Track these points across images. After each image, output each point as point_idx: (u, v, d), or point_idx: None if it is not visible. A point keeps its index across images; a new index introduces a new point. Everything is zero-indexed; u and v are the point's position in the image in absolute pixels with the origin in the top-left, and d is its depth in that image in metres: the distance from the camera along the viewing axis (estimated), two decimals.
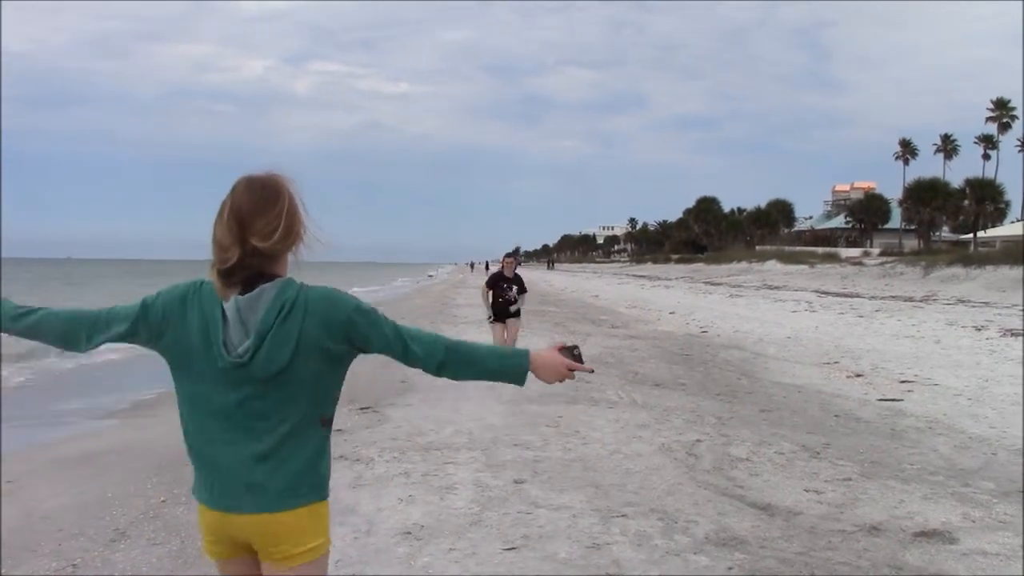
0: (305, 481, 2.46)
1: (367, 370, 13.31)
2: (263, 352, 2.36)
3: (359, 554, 5.04)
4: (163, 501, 6.36)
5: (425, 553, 5.03)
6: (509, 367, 2.52)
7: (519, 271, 13.20)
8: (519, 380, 2.55)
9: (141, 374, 15.50)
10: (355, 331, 2.44)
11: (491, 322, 12.33)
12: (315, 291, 2.45)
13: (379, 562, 4.92)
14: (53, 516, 6.21)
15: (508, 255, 13.02)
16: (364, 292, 54.04)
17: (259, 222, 2.38)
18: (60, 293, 54.05)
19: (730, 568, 4.81)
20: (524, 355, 2.55)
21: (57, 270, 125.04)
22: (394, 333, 2.47)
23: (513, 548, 5.09)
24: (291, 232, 2.43)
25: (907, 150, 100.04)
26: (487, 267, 21.99)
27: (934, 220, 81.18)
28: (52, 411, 11.61)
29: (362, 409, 9.79)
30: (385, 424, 8.92)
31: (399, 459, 7.33)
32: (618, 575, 4.71)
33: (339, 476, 6.75)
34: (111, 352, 19.23)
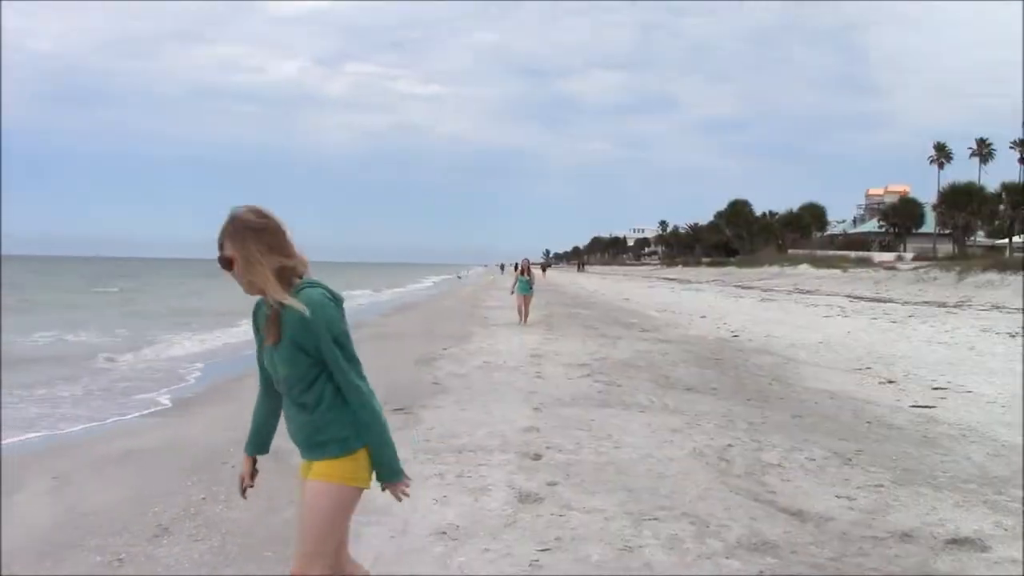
0: None
1: (401, 372, 13.47)
2: None
3: (395, 553, 5.14)
4: (203, 499, 6.49)
5: (460, 553, 5.13)
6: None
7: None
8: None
9: (182, 373, 15.74)
10: None
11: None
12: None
13: (415, 561, 5.02)
14: (97, 512, 6.37)
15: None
16: (390, 295, 54.28)
17: None
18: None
19: (761, 572, 4.86)
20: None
21: (113, 268, 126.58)
22: None
23: (547, 549, 5.17)
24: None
25: (942, 154, 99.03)
26: (514, 267, 23.75)
27: (969, 225, 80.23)
28: (96, 409, 11.83)
29: (395, 410, 9.90)
30: (418, 425, 9.03)
31: (433, 460, 7.43)
32: None
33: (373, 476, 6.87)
34: (157, 352, 19.56)
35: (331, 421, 3.21)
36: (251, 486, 3.62)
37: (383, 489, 3.31)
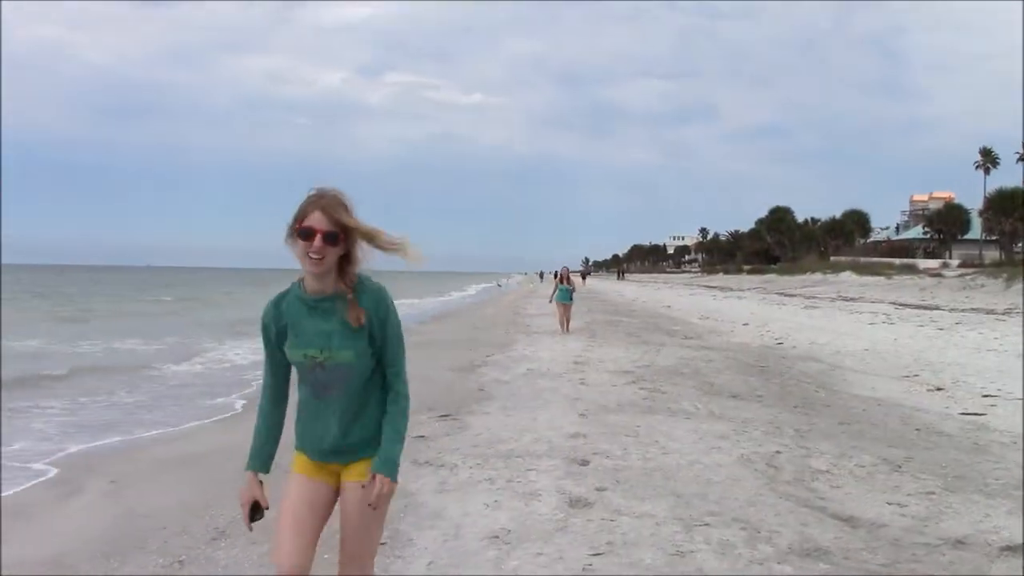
0: None
1: (445, 378, 13.57)
2: None
3: (449, 556, 5.22)
4: None
5: (514, 557, 5.19)
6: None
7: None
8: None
9: (248, 379, 15.88)
10: None
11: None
12: None
13: (470, 565, 5.08)
14: (155, 515, 6.52)
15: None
16: (420, 303, 54.58)
17: None
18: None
19: None
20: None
21: (165, 278, 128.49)
22: None
23: (599, 554, 5.22)
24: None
25: (988, 159, 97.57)
26: (554, 275, 23.93)
27: (1016, 231, 78.97)
28: (152, 414, 12.07)
29: (441, 416, 10.00)
30: (465, 431, 9.11)
31: (482, 465, 7.50)
32: None
33: (424, 481, 6.98)
34: (218, 357, 19.87)
35: (378, 419, 3.22)
36: (267, 508, 3.29)
37: (364, 486, 3.14)
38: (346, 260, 3.10)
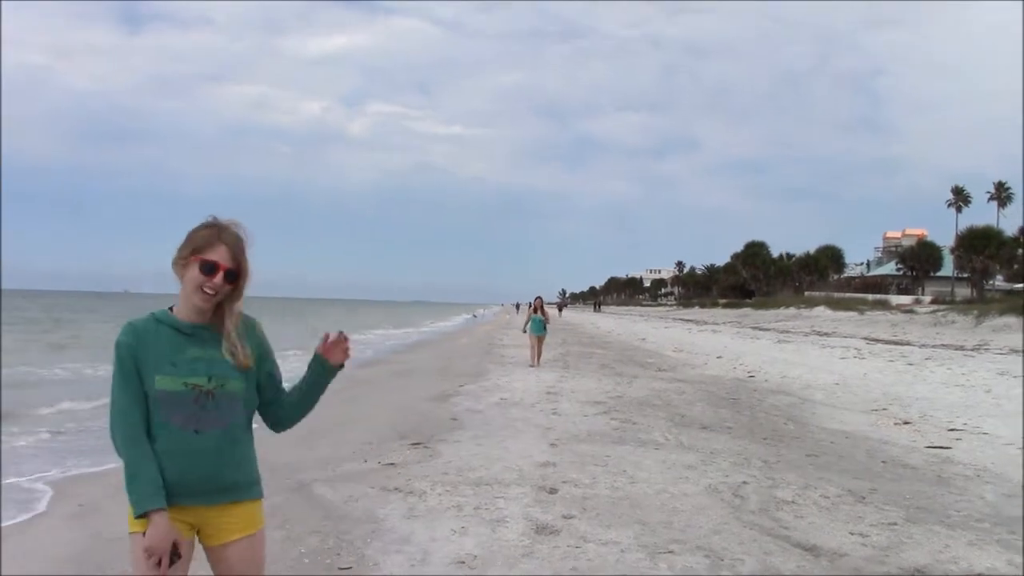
0: None
1: (418, 407, 13.60)
2: None
3: None
4: None
5: None
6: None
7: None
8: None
9: None
10: None
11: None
12: None
13: None
14: (122, 538, 6.47)
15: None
16: (395, 333, 54.52)
17: None
18: None
19: None
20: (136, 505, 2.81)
21: (149, 304, 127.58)
22: None
23: None
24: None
25: (960, 197, 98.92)
26: (528, 305, 23.54)
27: (987, 268, 79.94)
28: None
29: (413, 444, 10.03)
30: (436, 459, 9.14)
31: (451, 492, 7.54)
32: None
33: (393, 507, 7.00)
34: None
35: (253, 462, 3.07)
36: (180, 556, 2.86)
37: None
38: (234, 298, 2.99)
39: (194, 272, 2.92)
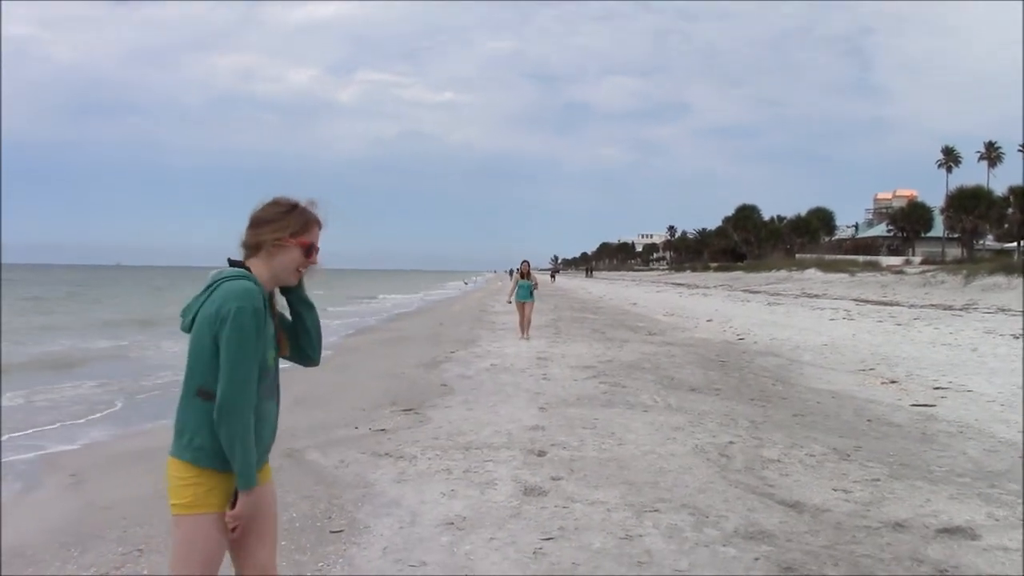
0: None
1: (409, 373, 13.68)
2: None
3: (404, 542, 5.34)
4: None
5: (467, 542, 5.32)
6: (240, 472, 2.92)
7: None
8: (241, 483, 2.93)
9: None
10: (219, 333, 2.86)
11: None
12: (226, 286, 2.90)
13: (423, 549, 5.21)
14: (115, 507, 6.59)
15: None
16: (393, 301, 54.60)
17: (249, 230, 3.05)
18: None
19: (756, 559, 5.04)
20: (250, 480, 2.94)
21: (145, 277, 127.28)
22: (223, 364, 2.85)
23: (551, 538, 5.37)
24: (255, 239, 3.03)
25: (950, 158, 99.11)
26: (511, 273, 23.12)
27: (977, 228, 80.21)
28: (110, 412, 12.05)
29: (404, 411, 10.12)
30: (427, 425, 9.23)
31: (441, 457, 7.63)
32: (650, 563, 4.97)
33: (383, 472, 7.10)
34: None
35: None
36: None
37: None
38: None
39: (295, 254, 3.02)
